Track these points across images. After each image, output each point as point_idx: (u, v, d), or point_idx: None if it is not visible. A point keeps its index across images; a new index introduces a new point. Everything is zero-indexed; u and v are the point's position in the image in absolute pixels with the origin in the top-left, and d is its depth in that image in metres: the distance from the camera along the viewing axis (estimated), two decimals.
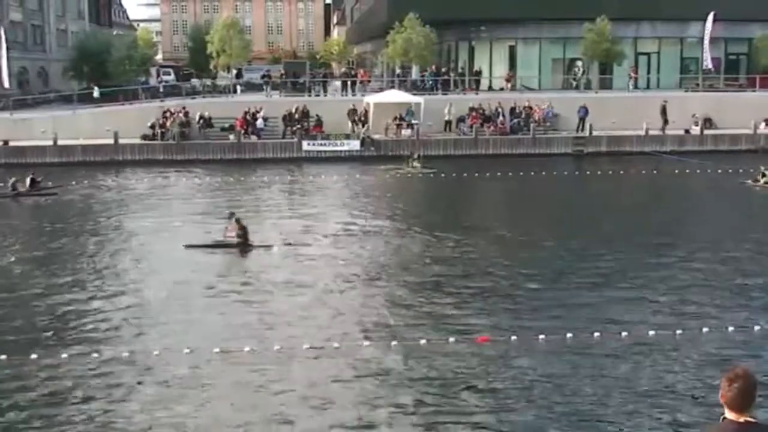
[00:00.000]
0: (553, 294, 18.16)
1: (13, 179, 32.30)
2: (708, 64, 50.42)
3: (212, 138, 44.03)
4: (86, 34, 70.13)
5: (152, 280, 19.86)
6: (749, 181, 33.46)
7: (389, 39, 51.40)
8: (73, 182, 35.44)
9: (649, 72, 55.55)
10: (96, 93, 51.22)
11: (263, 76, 54.10)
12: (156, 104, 46.71)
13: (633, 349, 14.62)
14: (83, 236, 25.17)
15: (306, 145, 42.90)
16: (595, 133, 44.21)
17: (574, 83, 53.54)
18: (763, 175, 33.03)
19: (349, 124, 44.43)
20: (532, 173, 36.86)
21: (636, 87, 51.60)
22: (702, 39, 50.67)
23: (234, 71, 57.78)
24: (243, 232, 22.24)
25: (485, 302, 17.64)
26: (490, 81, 55.13)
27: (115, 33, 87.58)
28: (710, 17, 49.19)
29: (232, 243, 22.22)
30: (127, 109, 47.00)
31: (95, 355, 14.43)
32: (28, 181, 32.54)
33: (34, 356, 14.28)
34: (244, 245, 22.21)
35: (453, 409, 12.36)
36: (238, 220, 22.56)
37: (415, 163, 37.99)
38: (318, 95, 51.04)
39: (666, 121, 44.62)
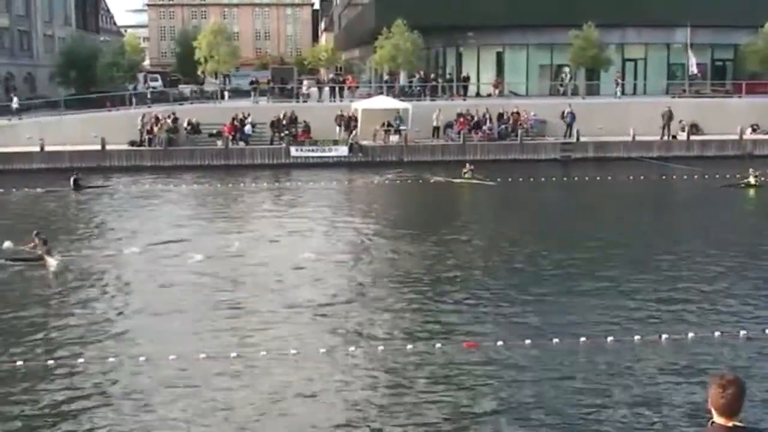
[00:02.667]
0: (538, 300, 18.17)
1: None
2: (693, 69, 50.68)
3: (200, 144, 43.96)
4: (73, 39, 69.95)
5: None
6: (742, 184, 33.63)
7: (377, 45, 51.48)
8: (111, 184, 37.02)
9: (635, 78, 55.84)
10: (14, 104, 49.11)
11: (251, 83, 54.13)
12: (143, 110, 46.52)
13: (618, 354, 14.66)
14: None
15: (294, 151, 42.88)
16: (582, 138, 44.36)
17: (561, 89, 53.72)
18: (755, 178, 33.17)
19: (337, 129, 44.43)
20: (520, 179, 36.93)
21: (623, 93, 51.82)
22: (689, 45, 50.95)
23: (221, 77, 57.70)
24: (43, 247, 21.91)
25: (471, 308, 17.64)
26: (478, 87, 55.30)
27: (102, 39, 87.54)
28: (689, 23, 49.32)
29: (33, 257, 21.85)
30: (114, 116, 46.86)
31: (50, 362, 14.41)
32: (71, 181, 34.68)
33: None
34: (41, 260, 21.78)
35: (440, 414, 12.35)
36: (38, 234, 22.27)
37: (467, 174, 36.00)
38: (306, 101, 51.07)
39: (666, 127, 44.68)
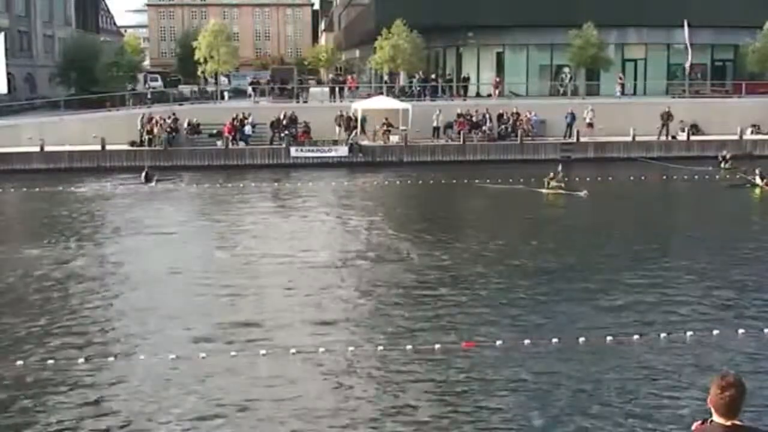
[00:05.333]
0: (538, 300, 18.19)
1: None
2: (686, 66, 50.64)
3: (200, 144, 43.94)
4: (73, 40, 69.93)
5: None
6: (748, 184, 33.64)
7: (377, 45, 51.50)
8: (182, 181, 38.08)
9: (635, 78, 55.81)
10: None
11: (252, 83, 54.16)
12: (143, 110, 46.53)
13: (617, 354, 14.67)
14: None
15: (294, 152, 42.85)
16: (582, 139, 44.36)
17: (561, 89, 53.72)
18: (762, 178, 33.15)
19: (337, 130, 44.42)
20: (521, 179, 36.85)
21: (623, 93, 51.80)
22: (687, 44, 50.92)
23: (221, 78, 57.70)
24: None
25: (471, 307, 17.64)
26: (478, 87, 55.31)
27: (102, 39, 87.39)
28: (685, 23, 49.22)
29: None
30: (114, 116, 46.87)
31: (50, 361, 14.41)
32: (143, 175, 37.18)
33: None
34: None
35: (439, 414, 12.35)
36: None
37: (553, 183, 33.44)
38: (306, 101, 51.08)
39: (665, 126, 44.60)
